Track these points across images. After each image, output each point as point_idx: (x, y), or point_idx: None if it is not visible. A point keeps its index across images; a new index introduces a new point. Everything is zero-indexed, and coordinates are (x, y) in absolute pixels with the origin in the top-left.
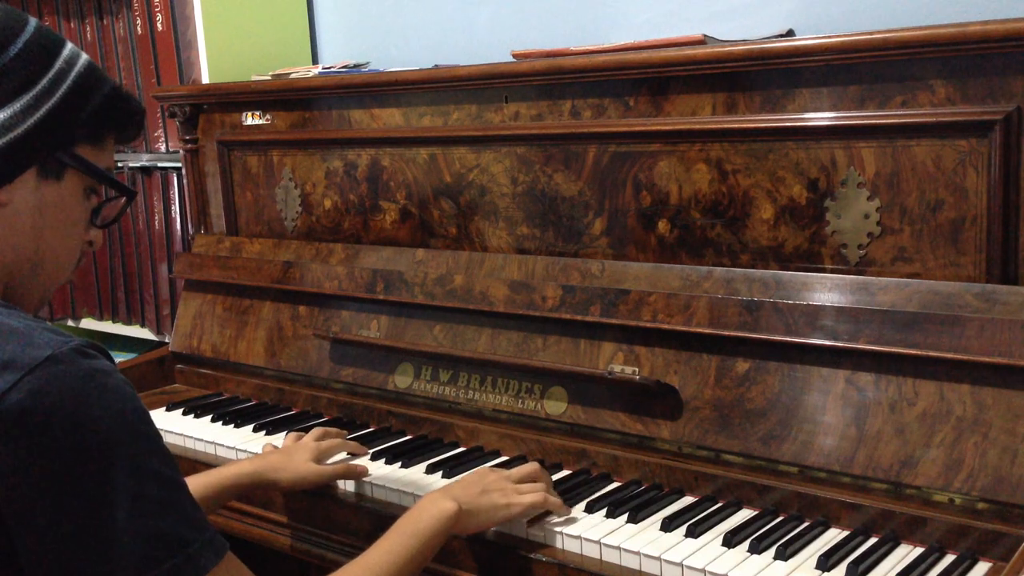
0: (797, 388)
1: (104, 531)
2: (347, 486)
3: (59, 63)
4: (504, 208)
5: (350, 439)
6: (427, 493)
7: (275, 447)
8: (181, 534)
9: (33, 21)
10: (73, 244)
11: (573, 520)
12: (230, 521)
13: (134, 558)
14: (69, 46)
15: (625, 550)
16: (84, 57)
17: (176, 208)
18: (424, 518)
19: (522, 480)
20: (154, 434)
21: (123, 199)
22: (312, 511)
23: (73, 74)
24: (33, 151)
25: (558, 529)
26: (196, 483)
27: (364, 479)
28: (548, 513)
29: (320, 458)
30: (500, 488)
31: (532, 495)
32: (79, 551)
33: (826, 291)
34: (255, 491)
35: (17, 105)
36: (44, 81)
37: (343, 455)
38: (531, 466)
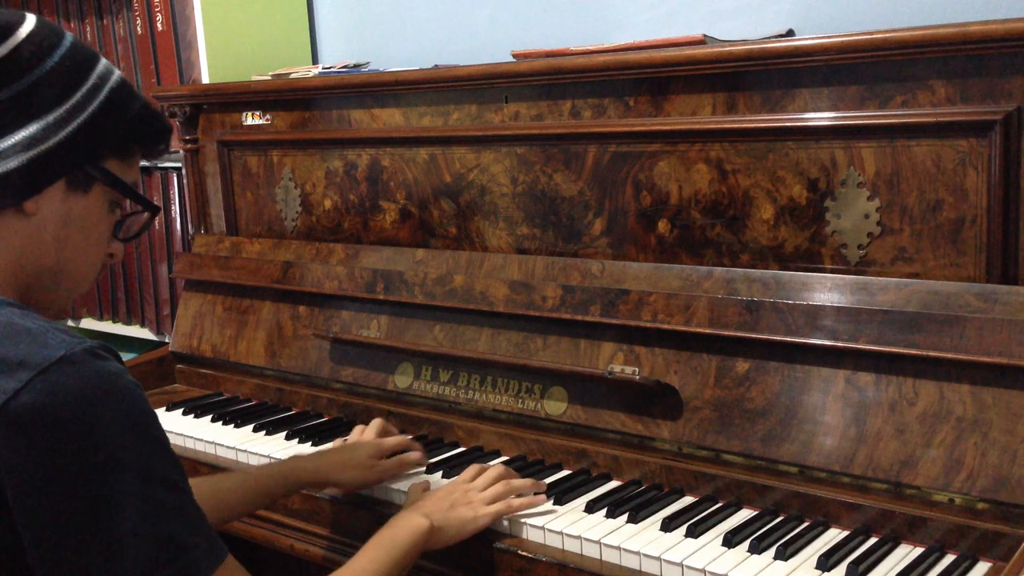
0: (797, 388)
1: (110, 532)
2: None
3: (93, 78)
4: (504, 208)
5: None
6: (402, 511)
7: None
8: (184, 538)
9: (69, 36)
10: (95, 256)
11: (573, 520)
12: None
13: (138, 560)
14: (103, 62)
15: (625, 550)
16: (117, 73)
17: (176, 208)
18: (400, 533)
19: (487, 486)
20: (162, 438)
21: (146, 214)
22: (312, 511)
23: (106, 89)
24: (63, 163)
25: (558, 529)
26: (237, 481)
27: None
28: (547, 513)
29: (381, 456)
30: (466, 502)
31: (495, 506)
32: (84, 552)
33: (826, 291)
34: (314, 488)
35: (50, 118)
36: (78, 95)
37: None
38: (495, 470)
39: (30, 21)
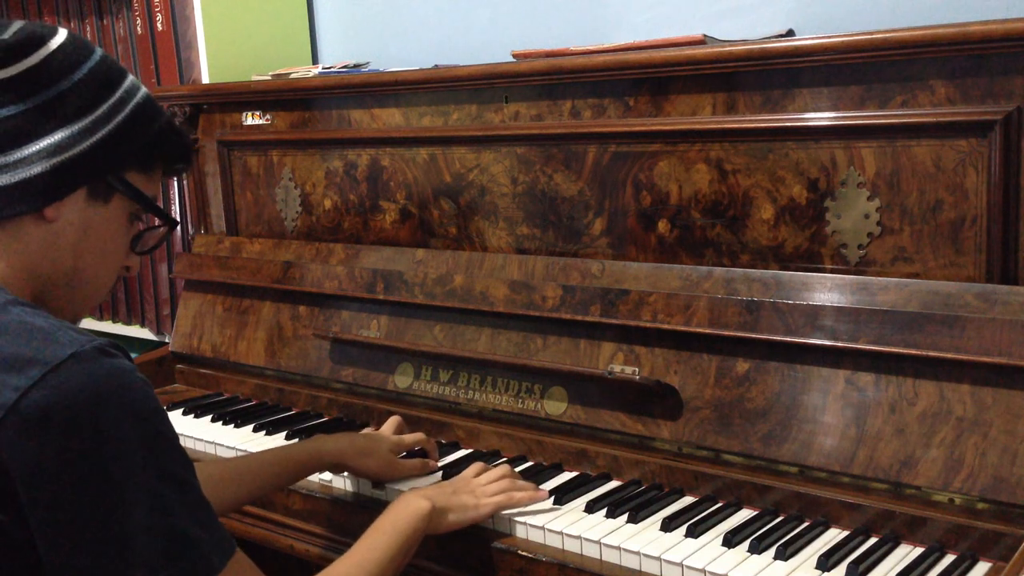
0: (797, 388)
1: (120, 529)
2: (347, 485)
3: (120, 92)
4: (504, 208)
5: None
6: (402, 494)
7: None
8: (194, 533)
9: (99, 51)
10: (111, 267)
11: (573, 520)
12: (230, 522)
13: (148, 556)
14: (130, 78)
15: (625, 550)
16: (143, 90)
17: (176, 208)
18: (402, 517)
19: (490, 482)
20: (171, 434)
21: (163, 228)
22: (312, 511)
23: (132, 104)
24: (85, 172)
25: (558, 529)
26: (268, 457)
27: (360, 479)
28: (547, 513)
29: (401, 452)
30: (469, 490)
31: (497, 497)
32: (95, 548)
33: (826, 291)
34: (333, 470)
35: (75, 127)
36: (104, 107)
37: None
38: (500, 468)
39: (61, 34)
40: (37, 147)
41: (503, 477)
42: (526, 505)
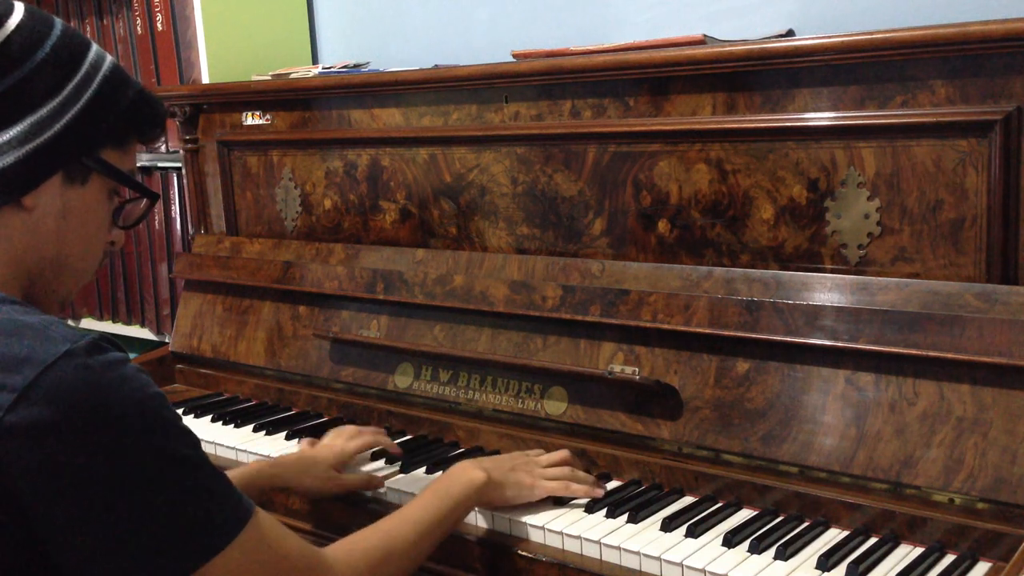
0: (797, 388)
1: (131, 518)
2: None
3: (85, 67)
4: (504, 208)
5: None
6: (460, 462)
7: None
8: (206, 511)
9: (59, 23)
10: (96, 246)
11: (573, 520)
12: None
13: (161, 540)
14: (94, 48)
15: (625, 550)
16: (109, 59)
17: (176, 208)
18: (456, 484)
19: (550, 465)
20: (173, 417)
21: (145, 201)
22: (312, 511)
23: (99, 78)
24: (59, 157)
25: (558, 529)
26: None
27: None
28: (547, 512)
29: (344, 463)
30: (527, 469)
31: (555, 482)
32: (107, 540)
33: (826, 291)
34: (273, 493)
35: (43, 111)
36: (70, 86)
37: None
38: (560, 453)
39: (19, 10)
40: (6, 137)
41: (564, 463)
42: (582, 498)
